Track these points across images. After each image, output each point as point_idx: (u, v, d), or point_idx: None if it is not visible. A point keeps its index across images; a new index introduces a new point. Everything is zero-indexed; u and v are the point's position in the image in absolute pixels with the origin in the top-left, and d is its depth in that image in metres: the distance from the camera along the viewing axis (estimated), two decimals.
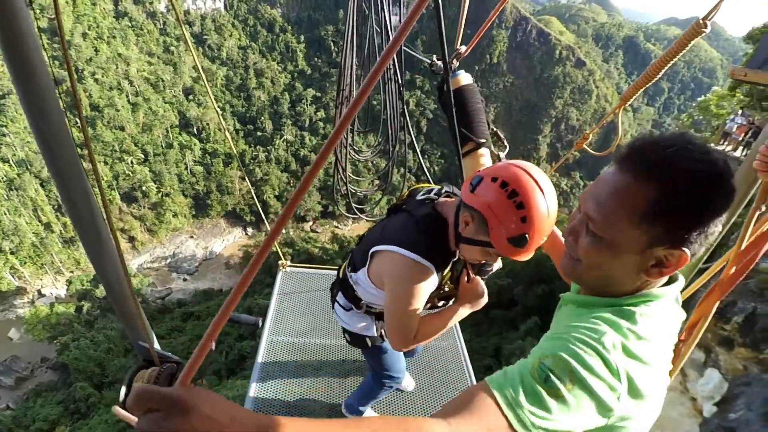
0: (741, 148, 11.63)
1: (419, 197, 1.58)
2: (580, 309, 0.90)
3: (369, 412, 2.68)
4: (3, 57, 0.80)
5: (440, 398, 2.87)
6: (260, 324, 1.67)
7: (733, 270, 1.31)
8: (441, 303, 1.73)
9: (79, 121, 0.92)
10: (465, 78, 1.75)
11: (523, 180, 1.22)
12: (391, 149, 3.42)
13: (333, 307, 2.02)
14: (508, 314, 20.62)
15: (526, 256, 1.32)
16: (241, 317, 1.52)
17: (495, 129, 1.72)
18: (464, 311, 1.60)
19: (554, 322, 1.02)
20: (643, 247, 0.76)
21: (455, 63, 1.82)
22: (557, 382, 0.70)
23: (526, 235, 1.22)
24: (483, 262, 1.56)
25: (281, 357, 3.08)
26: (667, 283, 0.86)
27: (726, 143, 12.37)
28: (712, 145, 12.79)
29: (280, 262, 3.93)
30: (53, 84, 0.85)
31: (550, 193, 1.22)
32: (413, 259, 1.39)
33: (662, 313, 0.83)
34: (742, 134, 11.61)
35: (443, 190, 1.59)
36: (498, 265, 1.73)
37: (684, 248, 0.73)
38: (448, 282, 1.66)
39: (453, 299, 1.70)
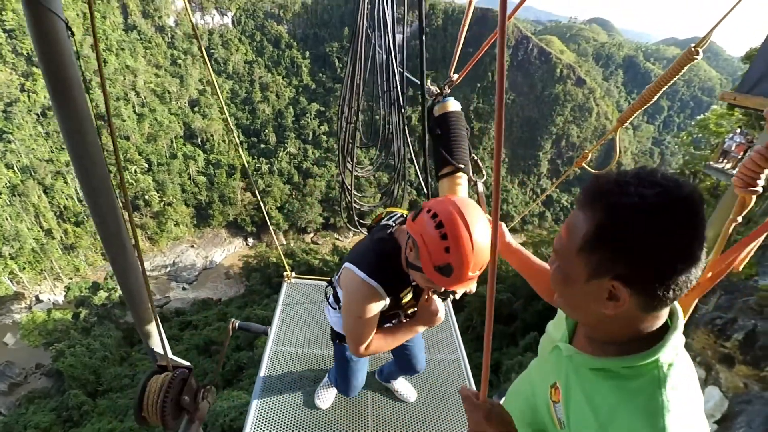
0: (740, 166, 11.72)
1: (383, 222, 1.72)
2: (600, 380, 0.88)
3: (330, 394, 2.85)
4: (45, 84, 0.86)
5: (442, 410, 2.88)
6: (269, 332, 1.72)
7: (709, 275, 1.36)
8: (406, 320, 1.86)
9: (112, 145, 0.99)
10: (453, 105, 1.81)
11: (451, 214, 1.30)
12: (395, 166, 3.48)
13: (325, 306, 2.19)
14: (507, 329, 20.51)
15: (459, 287, 1.39)
16: (251, 326, 1.57)
17: (476, 157, 1.76)
18: (419, 328, 1.75)
19: (562, 376, 1.00)
20: (587, 276, 0.78)
21: (447, 90, 1.88)
22: None
23: (451, 265, 1.30)
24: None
25: (285, 367, 3.10)
26: (670, 320, 0.87)
27: (725, 161, 12.45)
28: (711, 163, 12.92)
29: (285, 273, 3.97)
30: (90, 111, 0.92)
31: (478, 229, 1.29)
32: (361, 278, 1.53)
33: (681, 353, 0.85)
34: (741, 152, 11.69)
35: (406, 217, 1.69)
36: (471, 287, 1.81)
37: (623, 282, 0.74)
38: (412, 302, 1.77)
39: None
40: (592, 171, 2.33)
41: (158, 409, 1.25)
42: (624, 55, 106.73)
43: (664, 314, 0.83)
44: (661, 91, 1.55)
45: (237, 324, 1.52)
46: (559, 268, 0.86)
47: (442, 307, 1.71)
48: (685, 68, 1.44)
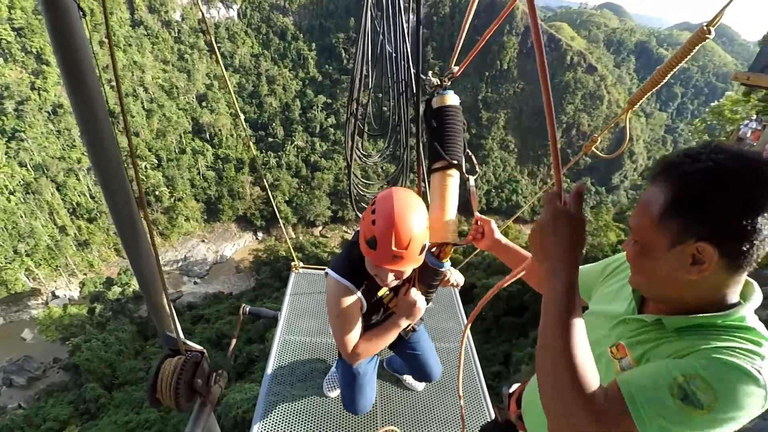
0: None
1: (356, 235, 1.81)
2: (691, 334, 0.90)
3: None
4: (58, 66, 0.88)
5: (448, 400, 2.90)
6: (278, 318, 1.76)
7: None
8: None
9: (125, 133, 1.01)
10: (452, 98, 1.75)
11: (385, 196, 1.49)
12: (400, 155, 3.47)
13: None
14: (518, 321, 20.46)
15: (388, 264, 1.50)
16: (261, 310, 1.59)
17: (469, 153, 1.73)
18: (403, 322, 1.80)
19: (637, 338, 1.01)
20: (670, 244, 0.83)
21: (447, 82, 1.83)
22: (694, 404, 0.74)
23: (375, 237, 1.46)
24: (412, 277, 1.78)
25: (294, 356, 3.14)
26: (743, 299, 0.90)
27: None
28: None
29: (293, 263, 4.01)
30: (102, 93, 0.94)
31: (406, 212, 1.45)
32: (335, 278, 1.68)
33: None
34: (757, 139, 11.48)
35: None
36: (458, 279, 1.95)
37: (709, 242, 0.78)
38: (393, 299, 1.89)
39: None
40: (602, 155, 2.31)
41: (172, 390, 1.28)
42: (636, 40, 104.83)
43: (742, 281, 0.86)
44: (672, 72, 1.51)
45: (248, 309, 1.54)
46: (638, 243, 0.90)
47: (422, 300, 1.78)
48: (697, 48, 1.41)
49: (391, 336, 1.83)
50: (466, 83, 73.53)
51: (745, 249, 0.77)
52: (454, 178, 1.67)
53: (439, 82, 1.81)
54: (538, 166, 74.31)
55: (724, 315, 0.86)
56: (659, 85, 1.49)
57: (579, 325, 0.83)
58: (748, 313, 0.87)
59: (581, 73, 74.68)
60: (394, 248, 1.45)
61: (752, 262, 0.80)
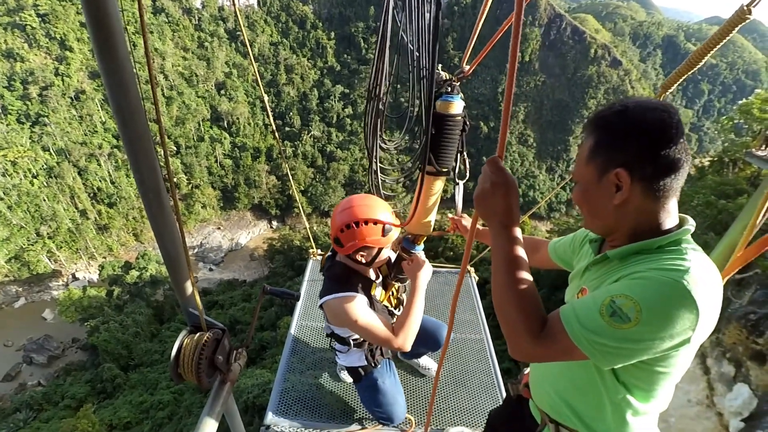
0: None
1: (328, 261, 2.19)
2: (634, 259, 1.01)
3: None
4: (90, 37, 0.88)
5: (464, 384, 2.91)
6: (299, 298, 1.81)
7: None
8: (399, 309, 2.29)
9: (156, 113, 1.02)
10: (457, 107, 1.75)
11: (347, 210, 1.88)
12: (419, 147, 3.44)
13: (335, 356, 2.48)
14: None
15: (391, 234, 1.93)
16: (284, 291, 1.61)
17: (465, 157, 1.86)
18: (419, 284, 2.05)
19: (594, 277, 1.13)
20: (598, 176, 0.98)
21: (456, 82, 1.77)
22: (622, 318, 0.86)
23: (351, 224, 1.85)
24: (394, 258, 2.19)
25: (310, 341, 3.17)
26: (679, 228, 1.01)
27: None
28: (752, 150, 12.26)
29: (311, 250, 4.03)
30: (132, 66, 0.95)
31: (378, 208, 1.90)
32: (333, 297, 1.95)
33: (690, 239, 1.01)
34: None
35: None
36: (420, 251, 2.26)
37: (624, 168, 0.93)
38: (394, 293, 2.28)
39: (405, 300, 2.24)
40: None
41: (194, 366, 1.30)
42: (663, 34, 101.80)
43: (671, 210, 0.99)
44: (708, 56, 1.46)
45: (268, 288, 1.56)
46: (579, 184, 1.06)
47: (424, 259, 2.12)
48: (735, 30, 1.36)
49: (420, 304, 2.04)
50: (486, 75, 72.44)
51: (655, 174, 0.92)
52: (437, 184, 1.91)
53: (447, 78, 1.77)
54: (557, 161, 72.98)
55: (660, 240, 0.97)
56: (695, 69, 1.44)
57: (521, 266, 0.99)
58: (683, 237, 0.97)
59: (605, 67, 72.81)
60: (387, 227, 1.89)
61: (669, 189, 0.94)
